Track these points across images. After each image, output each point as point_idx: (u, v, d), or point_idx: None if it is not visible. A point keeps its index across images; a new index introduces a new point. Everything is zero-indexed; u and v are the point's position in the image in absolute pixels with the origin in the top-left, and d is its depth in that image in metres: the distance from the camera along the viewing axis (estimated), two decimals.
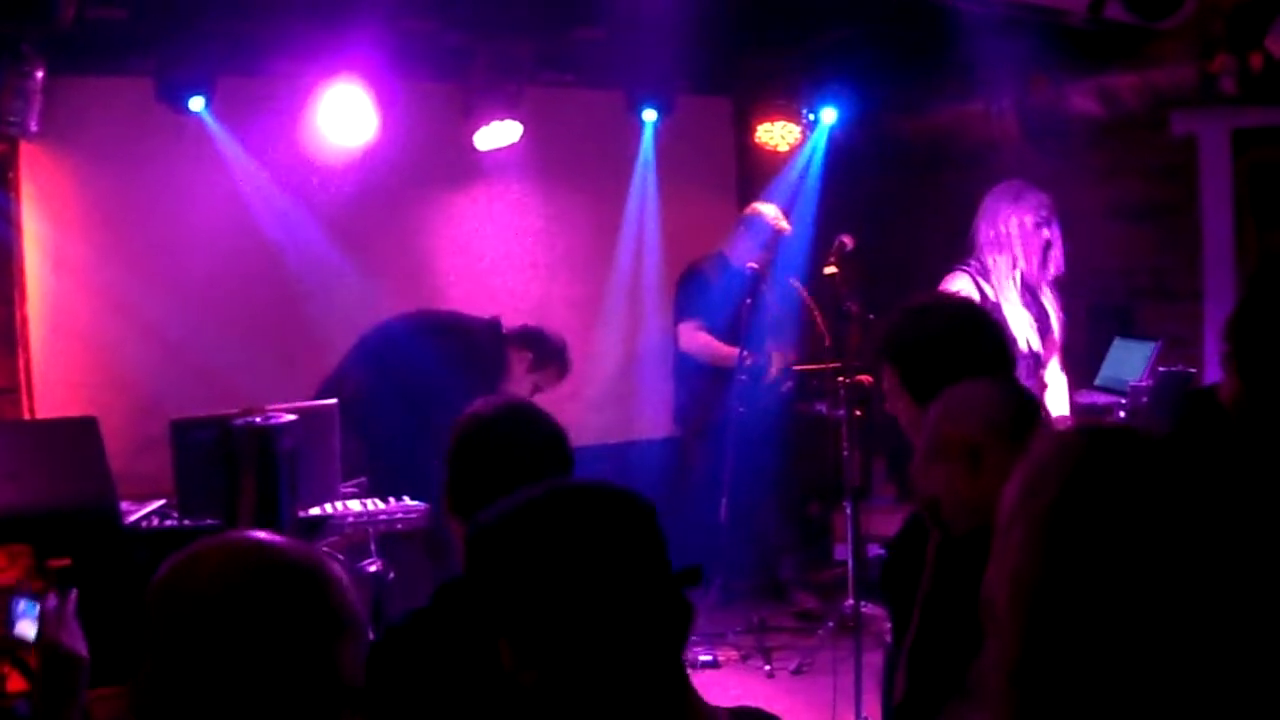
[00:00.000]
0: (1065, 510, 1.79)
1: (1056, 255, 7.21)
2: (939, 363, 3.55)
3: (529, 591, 2.21)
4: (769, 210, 8.84)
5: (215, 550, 2.21)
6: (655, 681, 2.26)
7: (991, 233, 7.15)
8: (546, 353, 8.09)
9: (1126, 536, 1.74)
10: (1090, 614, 1.74)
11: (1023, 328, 6.97)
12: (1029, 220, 7.13)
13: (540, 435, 3.41)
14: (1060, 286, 7.29)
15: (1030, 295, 7.09)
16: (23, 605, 3.46)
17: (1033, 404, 3.34)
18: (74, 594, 3.11)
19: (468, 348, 7.69)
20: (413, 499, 6.21)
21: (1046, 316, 7.11)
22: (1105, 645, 1.72)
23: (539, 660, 2.20)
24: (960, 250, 7.28)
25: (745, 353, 8.48)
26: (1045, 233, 7.16)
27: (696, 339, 8.77)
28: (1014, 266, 7.11)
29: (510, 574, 2.24)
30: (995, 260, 7.14)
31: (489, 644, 2.26)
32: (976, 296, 7.06)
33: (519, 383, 7.90)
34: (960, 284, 7.05)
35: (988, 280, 7.11)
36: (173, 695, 2.11)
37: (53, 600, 3.11)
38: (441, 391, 7.03)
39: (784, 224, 8.79)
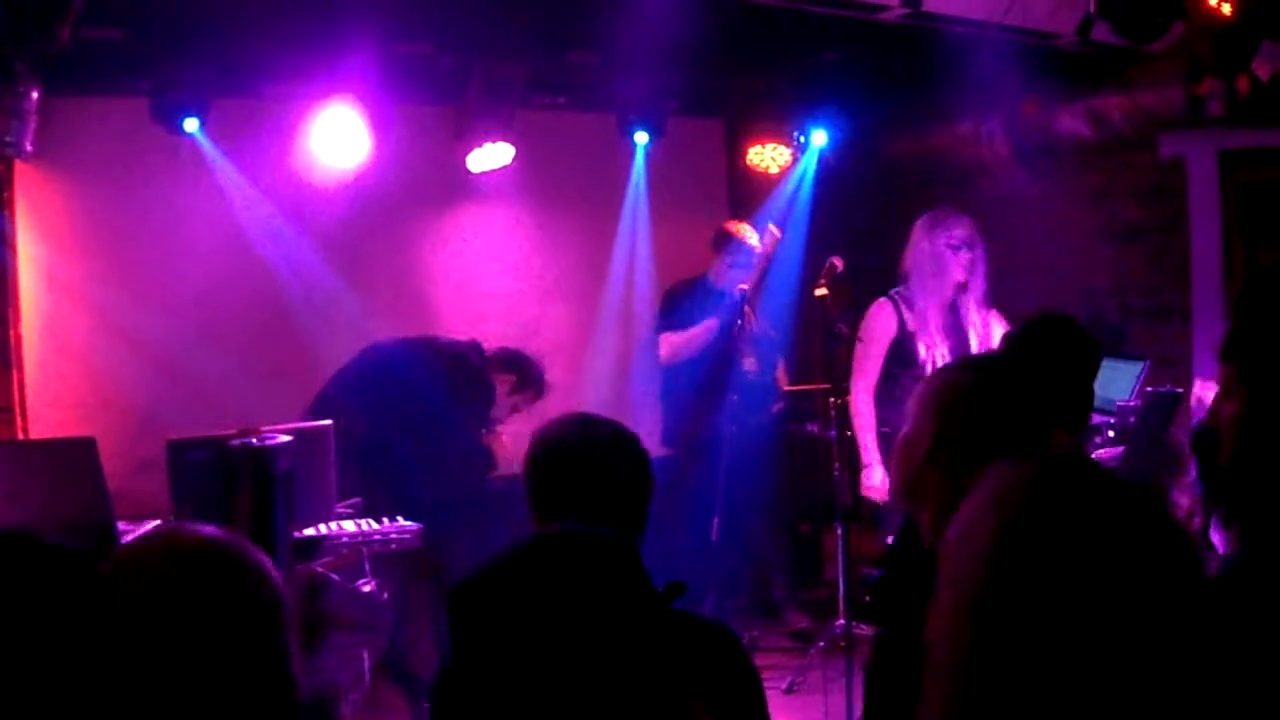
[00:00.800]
0: (1006, 553, 1.81)
1: (978, 279, 7.47)
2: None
3: (515, 645, 2.23)
4: (741, 229, 8.90)
5: (150, 543, 2.27)
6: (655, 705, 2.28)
7: (911, 260, 7.44)
8: (528, 376, 8.05)
9: (1069, 578, 1.76)
10: (1030, 655, 1.76)
11: (935, 352, 7.21)
12: (945, 245, 7.37)
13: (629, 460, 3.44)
14: (992, 307, 7.52)
15: (953, 319, 7.32)
16: None
17: None
18: None
19: (459, 372, 7.64)
20: (406, 520, 6.23)
21: (966, 342, 7.31)
22: (1045, 687, 1.75)
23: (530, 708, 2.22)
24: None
25: (715, 318, 8.71)
26: (964, 255, 7.42)
27: (670, 341, 8.86)
28: (934, 292, 7.35)
29: (494, 629, 2.25)
30: (916, 287, 7.40)
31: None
32: (895, 323, 7.46)
33: (501, 404, 7.90)
34: (883, 311, 7.56)
35: (910, 308, 7.46)
36: (118, 687, 2.16)
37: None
38: (435, 416, 7.06)
39: (755, 240, 8.85)
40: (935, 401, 3.13)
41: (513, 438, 7.65)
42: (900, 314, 7.51)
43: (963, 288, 7.50)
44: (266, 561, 2.28)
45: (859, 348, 7.62)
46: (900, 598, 3.25)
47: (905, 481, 3.20)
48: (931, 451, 3.08)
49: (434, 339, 7.95)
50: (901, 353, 7.51)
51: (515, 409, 7.97)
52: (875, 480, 7.69)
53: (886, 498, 7.59)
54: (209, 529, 2.30)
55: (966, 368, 3.23)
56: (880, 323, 7.59)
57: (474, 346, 7.96)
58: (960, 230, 7.48)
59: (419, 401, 7.19)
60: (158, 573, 2.20)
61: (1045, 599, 1.76)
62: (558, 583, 2.26)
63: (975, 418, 3.07)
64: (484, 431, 7.72)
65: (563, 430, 3.50)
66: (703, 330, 8.72)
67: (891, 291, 7.60)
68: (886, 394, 7.53)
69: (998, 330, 7.22)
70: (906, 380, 7.03)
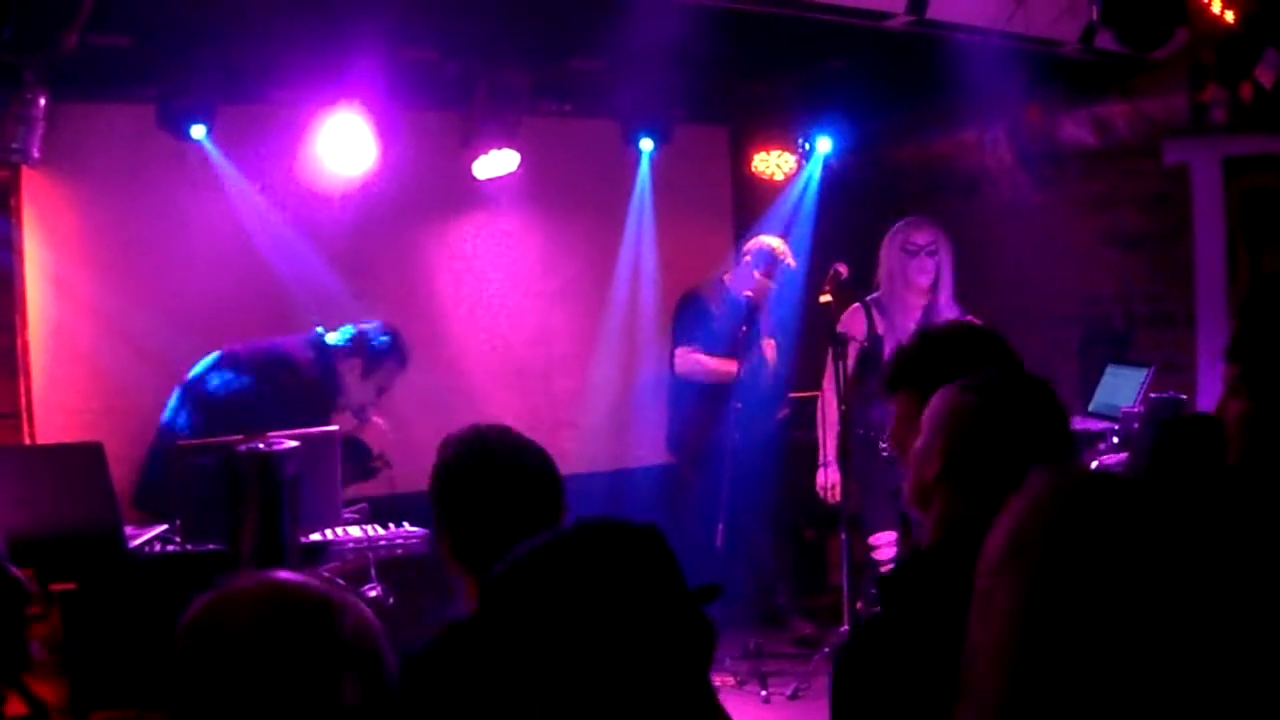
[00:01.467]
0: (1051, 572, 1.81)
1: (945, 282, 7.72)
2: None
3: (554, 635, 2.23)
4: (776, 243, 8.88)
5: (241, 592, 2.26)
6: (684, 703, 2.31)
7: (882, 268, 7.72)
8: (373, 354, 7.57)
9: (1116, 595, 1.76)
10: (1077, 675, 1.76)
11: None
12: (906, 251, 7.68)
13: (531, 467, 3.44)
14: (960, 307, 7.72)
15: (926, 322, 7.47)
16: None
17: None
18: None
19: (286, 376, 7.37)
20: None
21: None
22: (1093, 707, 1.75)
23: (567, 700, 2.22)
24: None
25: (741, 362, 8.61)
26: (925, 260, 7.68)
27: (692, 360, 8.83)
28: (901, 298, 7.57)
29: (533, 620, 2.25)
30: (886, 293, 7.66)
31: (501, 688, 2.29)
32: (864, 327, 7.74)
33: (359, 390, 7.52)
34: (854, 316, 7.79)
35: (884, 313, 7.75)
36: None
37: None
38: (273, 426, 6.88)
39: (791, 259, 8.86)
40: (943, 422, 3.16)
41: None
42: (870, 318, 7.77)
43: (931, 291, 7.72)
44: (366, 611, 2.28)
45: (832, 350, 7.70)
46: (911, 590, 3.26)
47: (917, 492, 3.23)
48: (943, 470, 3.11)
49: (253, 349, 7.55)
50: (870, 357, 7.61)
51: (382, 390, 7.62)
52: (827, 480, 8.04)
53: (837, 499, 7.85)
54: (306, 579, 2.30)
55: (968, 388, 3.23)
56: (851, 327, 7.79)
57: (311, 340, 7.60)
58: (920, 236, 7.71)
59: (252, 417, 6.79)
60: (259, 622, 2.20)
61: (1100, 608, 1.76)
62: (602, 572, 2.28)
63: (982, 437, 3.09)
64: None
65: (467, 446, 3.52)
66: (726, 370, 8.69)
67: (867, 298, 7.81)
68: (859, 398, 7.60)
69: None
70: (875, 384, 7.09)
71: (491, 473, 3.41)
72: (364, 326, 7.64)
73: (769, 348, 8.88)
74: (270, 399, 7.11)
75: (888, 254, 7.76)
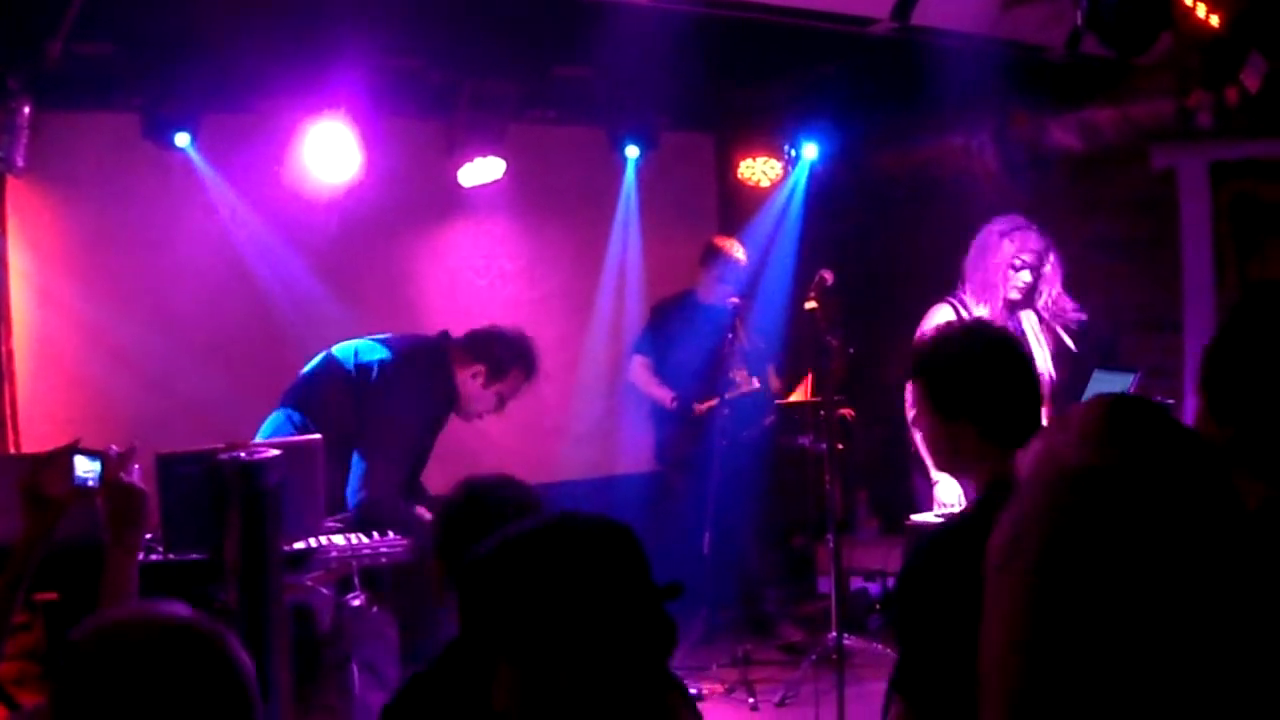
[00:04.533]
0: (1051, 567, 1.81)
1: (1046, 296, 7.31)
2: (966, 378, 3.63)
3: (525, 612, 2.32)
4: (729, 244, 8.94)
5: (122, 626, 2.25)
6: (641, 691, 2.38)
7: (976, 267, 7.28)
8: (500, 360, 7.15)
9: (1116, 588, 1.76)
10: (1081, 672, 1.76)
11: None
12: (1011, 258, 7.23)
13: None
14: (1057, 329, 7.39)
15: (1011, 325, 7.14)
16: (83, 461, 3.72)
17: None
18: (134, 447, 3.40)
19: (413, 377, 7.12)
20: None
21: None
22: (1098, 700, 1.75)
23: (533, 680, 2.31)
24: (941, 283, 7.41)
25: (673, 397, 8.83)
26: (1027, 275, 7.25)
27: (639, 374, 8.97)
28: (991, 303, 7.21)
29: (507, 597, 2.35)
30: (975, 293, 7.25)
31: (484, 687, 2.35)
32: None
33: (480, 398, 7.21)
34: (942, 314, 7.19)
35: (969, 313, 7.19)
36: None
37: (114, 449, 3.64)
38: (381, 425, 6.85)
39: (742, 254, 8.91)
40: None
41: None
42: (960, 318, 7.18)
43: (1024, 304, 7.37)
44: (237, 646, 2.27)
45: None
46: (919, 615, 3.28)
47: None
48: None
49: (399, 341, 7.30)
50: None
51: (502, 398, 7.25)
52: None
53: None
54: (183, 609, 2.29)
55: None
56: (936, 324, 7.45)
57: (434, 343, 7.34)
58: (1031, 244, 7.32)
59: (364, 413, 6.88)
60: (133, 652, 2.18)
61: (1097, 607, 1.77)
62: (573, 559, 2.38)
63: None
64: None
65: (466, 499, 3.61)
66: (659, 399, 8.96)
67: (952, 294, 7.41)
68: None
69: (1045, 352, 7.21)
70: None
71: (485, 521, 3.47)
72: (492, 329, 7.35)
73: (743, 379, 8.81)
74: (396, 395, 7.00)
75: (993, 256, 7.31)
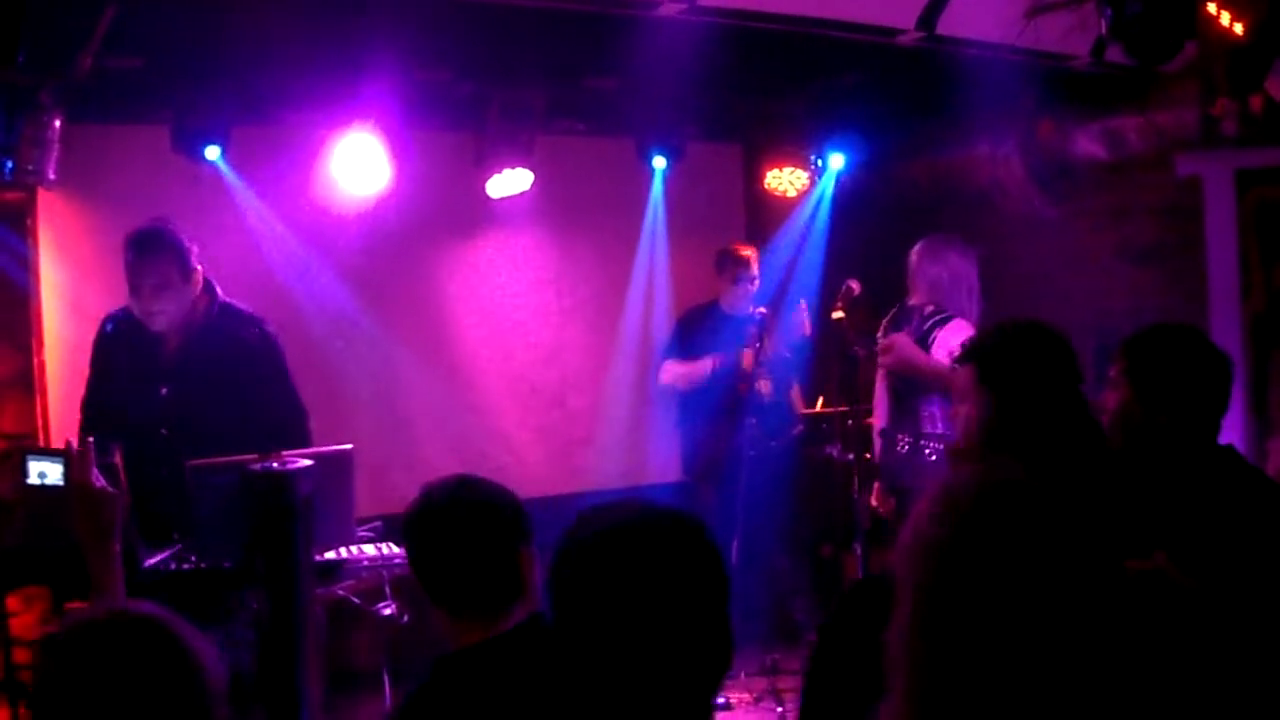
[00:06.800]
0: (950, 567, 1.90)
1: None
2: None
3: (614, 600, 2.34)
4: (743, 250, 8.96)
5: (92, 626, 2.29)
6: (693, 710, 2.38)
7: (946, 276, 7.39)
8: None
9: (1009, 590, 1.85)
10: (977, 671, 1.85)
11: None
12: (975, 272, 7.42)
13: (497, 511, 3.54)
14: None
15: None
16: (36, 460, 3.65)
17: None
18: (91, 441, 3.33)
19: None
20: None
21: None
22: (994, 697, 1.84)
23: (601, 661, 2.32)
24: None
25: (715, 357, 8.70)
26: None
27: (670, 370, 8.93)
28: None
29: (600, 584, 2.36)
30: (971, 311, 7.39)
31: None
32: None
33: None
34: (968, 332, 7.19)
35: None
36: None
37: (75, 447, 3.31)
38: None
39: (749, 254, 8.94)
40: None
41: None
42: None
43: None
44: (196, 642, 2.29)
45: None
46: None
47: None
48: None
49: None
50: None
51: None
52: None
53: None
54: (148, 607, 2.32)
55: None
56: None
57: None
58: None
59: None
60: (97, 649, 2.22)
61: (990, 600, 1.86)
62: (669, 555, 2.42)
63: None
64: None
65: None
66: (704, 366, 8.75)
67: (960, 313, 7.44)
68: None
69: None
70: None
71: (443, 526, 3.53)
72: None
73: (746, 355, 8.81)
74: None
75: (970, 286, 7.48)
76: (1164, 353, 4.20)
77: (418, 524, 3.55)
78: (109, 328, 6.52)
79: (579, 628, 2.34)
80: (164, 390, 6.21)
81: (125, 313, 6.46)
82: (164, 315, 6.29)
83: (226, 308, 6.51)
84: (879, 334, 7.51)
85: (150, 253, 6.34)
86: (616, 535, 2.41)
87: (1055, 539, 1.89)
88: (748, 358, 8.53)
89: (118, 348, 6.45)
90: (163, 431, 6.12)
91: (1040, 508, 1.91)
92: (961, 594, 1.88)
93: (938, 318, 7.29)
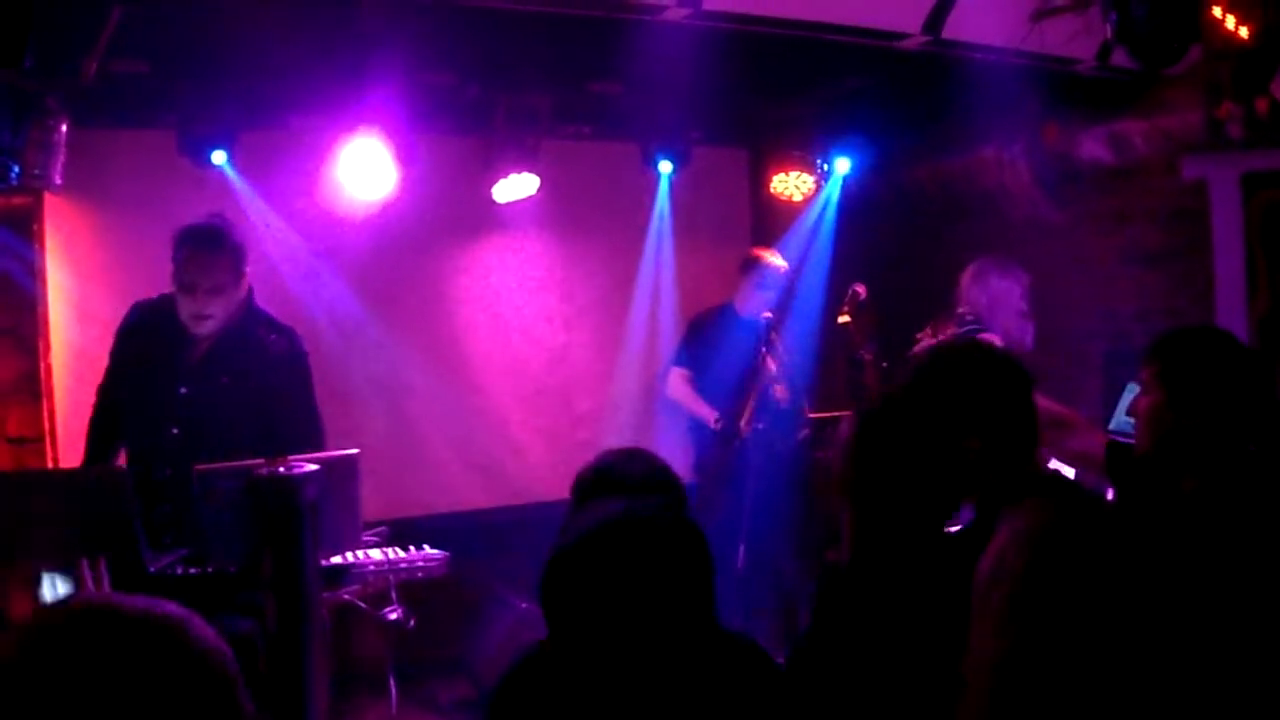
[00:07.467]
0: (1026, 600, 1.91)
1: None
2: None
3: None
4: (775, 258, 8.91)
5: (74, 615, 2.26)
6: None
7: (985, 300, 7.28)
8: None
9: (1088, 618, 1.86)
10: (1051, 683, 1.86)
11: None
12: (1017, 293, 7.28)
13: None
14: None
15: None
16: (52, 577, 3.61)
17: None
18: (103, 560, 3.26)
19: None
20: None
21: None
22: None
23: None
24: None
25: (717, 417, 8.63)
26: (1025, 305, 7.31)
27: (679, 388, 8.87)
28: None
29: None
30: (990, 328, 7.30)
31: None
32: None
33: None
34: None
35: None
36: None
37: (86, 565, 3.26)
38: None
39: (781, 263, 8.88)
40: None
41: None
42: None
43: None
44: (202, 631, 2.27)
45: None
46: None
47: None
48: None
49: None
50: None
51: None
52: None
53: None
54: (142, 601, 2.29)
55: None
56: None
57: None
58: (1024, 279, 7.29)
59: None
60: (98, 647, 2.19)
61: (1074, 623, 1.87)
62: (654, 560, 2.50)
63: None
64: None
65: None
66: (707, 415, 8.73)
67: (979, 329, 7.36)
68: None
69: None
70: None
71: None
72: None
73: (782, 395, 8.81)
74: None
75: (1011, 307, 7.20)
76: (1200, 356, 4.07)
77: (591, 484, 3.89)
78: (134, 317, 6.41)
79: (577, 628, 2.42)
80: (184, 389, 6.11)
81: (158, 303, 6.32)
82: (213, 320, 6.10)
83: (261, 315, 6.39)
84: (923, 333, 7.46)
85: (209, 251, 6.12)
86: (596, 539, 2.50)
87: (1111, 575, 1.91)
88: (775, 342, 8.52)
89: (143, 338, 6.30)
90: (174, 431, 6.07)
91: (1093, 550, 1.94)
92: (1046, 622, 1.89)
93: (972, 328, 7.27)
